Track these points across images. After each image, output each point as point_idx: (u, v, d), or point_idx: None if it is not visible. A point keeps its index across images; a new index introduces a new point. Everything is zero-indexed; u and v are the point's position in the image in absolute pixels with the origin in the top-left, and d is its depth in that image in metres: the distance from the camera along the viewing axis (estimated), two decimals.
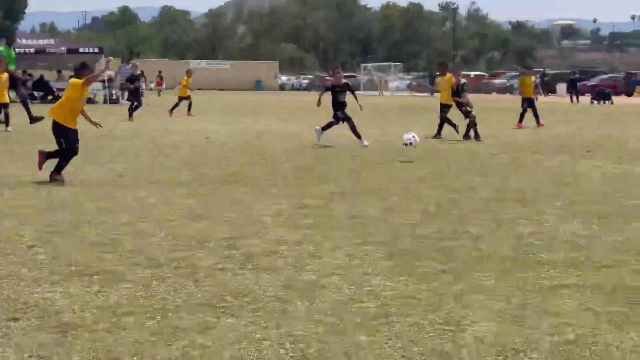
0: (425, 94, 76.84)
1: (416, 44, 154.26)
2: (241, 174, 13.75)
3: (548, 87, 65.66)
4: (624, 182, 12.98)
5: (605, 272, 6.99)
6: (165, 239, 8.32)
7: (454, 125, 22.76)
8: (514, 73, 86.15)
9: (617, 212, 10.07)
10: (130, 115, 29.95)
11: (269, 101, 54.67)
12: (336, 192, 11.67)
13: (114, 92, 48.25)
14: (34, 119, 24.27)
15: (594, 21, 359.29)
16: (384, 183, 12.72)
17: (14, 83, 24.65)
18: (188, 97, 33.31)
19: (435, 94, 74.67)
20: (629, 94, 69.11)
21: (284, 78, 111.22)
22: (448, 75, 23.87)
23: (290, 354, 4.94)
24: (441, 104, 23.60)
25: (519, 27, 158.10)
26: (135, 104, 30.57)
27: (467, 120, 21.84)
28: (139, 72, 30.67)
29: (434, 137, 22.44)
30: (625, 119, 33.19)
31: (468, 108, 21.90)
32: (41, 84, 47.32)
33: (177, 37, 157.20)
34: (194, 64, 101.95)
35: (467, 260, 7.42)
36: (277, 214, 9.83)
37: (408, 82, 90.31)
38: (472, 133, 21.93)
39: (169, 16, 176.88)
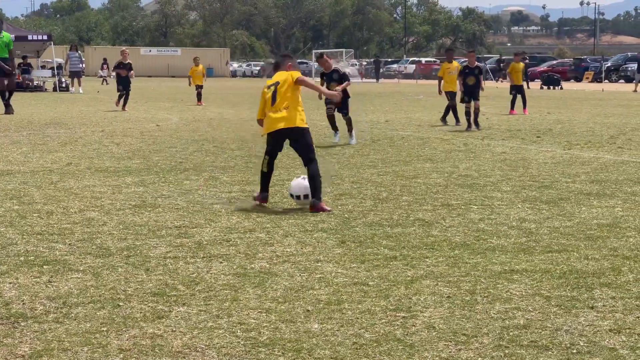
0: (372, 80, 77.03)
1: (367, 30, 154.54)
2: (192, 162, 13.69)
3: (504, 74, 66.14)
4: (573, 167, 13.12)
5: (555, 257, 7.06)
6: (116, 228, 8.26)
7: (457, 119, 22.20)
8: (464, 59, 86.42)
9: (566, 197, 10.18)
10: (124, 105, 28.47)
11: (220, 88, 54.44)
12: (287, 179, 11.65)
13: (63, 79, 47.81)
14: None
15: (543, 7, 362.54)
16: (336, 170, 12.73)
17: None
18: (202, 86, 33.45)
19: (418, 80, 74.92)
20: (578, 79, 69.86)
21: (235, 65, 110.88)
22: (456, 63, 23.31)
23: (242, 342, 4.93)
24: (446, 92, 22.79)
25: (469, 13, 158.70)
26: (123, 92, 28.63)
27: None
28: (128, 61, 29.45)
29: (456, 124, 21.95)
30: (574, 104, 33.55)
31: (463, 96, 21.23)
32: None
33: (127, 24, 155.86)
34: (144, 50, 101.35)
35: (418, 247, 7.46)
36: (228, 201, 9.81)
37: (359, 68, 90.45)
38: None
39: (119, 3, 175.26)
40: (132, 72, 29.03)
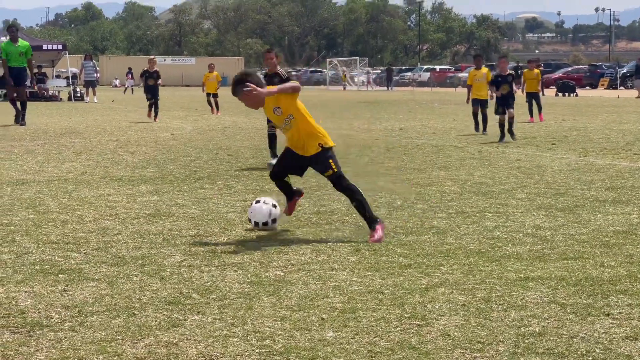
0: (383, 88, 77.19)
1: (381, 38, 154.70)
2: (206, 171, 13.70)
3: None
4: (588, 174, 13.07)
5: (570, 264, 7.03)
6: (131, 236, 8.27)
7: (477, 125, 21.87)
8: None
9: (582, 204, 10.14)
10: (151, 114, 27.89)
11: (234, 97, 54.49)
12: (302, 187, 11.64)
13: (78, 89, 48.03)
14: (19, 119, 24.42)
15: (558, 14, 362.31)
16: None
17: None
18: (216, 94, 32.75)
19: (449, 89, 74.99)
20: (594, 86, 69.69)
21: None
22: (485, 69, 22.68)
23: (257, 351, 4.93)
24: (477, 100, 22.07)
25: (483, 20, 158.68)
26: (152, 100, 27.91)
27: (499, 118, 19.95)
28: (155, 69, 28.75)
29: (475, 130, 21.69)
30: (590, 111, 33.46)
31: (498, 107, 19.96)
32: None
33: (141, 33, 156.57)
34: (158, 59, 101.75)
35: (433, 254, 7.44)
36: (242, 210, 9.81)
37: (374, 76, 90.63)
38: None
39: (134, 12, 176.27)
40: (159, 80, 28.45)
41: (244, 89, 8.29)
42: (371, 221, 8.19)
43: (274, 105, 8.33)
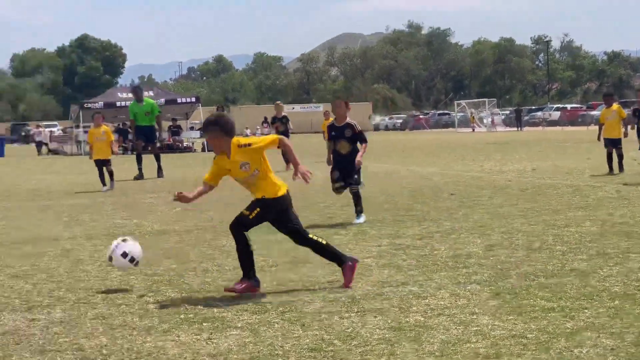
0: (513, 129, 76.42)
1: (509, 78, 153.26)
2: (340, 217, 13.77)
3: None
4: None
5: None
6: (270, 284, 8.38)
7: (611, 167, 21.02)
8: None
9: None
10: (289, 167, 28.43)
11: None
12: (436, 231, 11.62)
13: None
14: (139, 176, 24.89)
15: None
16: (485, 220, 12.60)
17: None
18: None
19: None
20: None
21: (377, 118, 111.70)
22: (616, 105, 21.84)
23: None
24: (609, 139, 21.31)
25: (614, 57, 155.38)
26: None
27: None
28: (283, 114, 29.15)
29: (620, 171, 20.70)
30: None
31: None
32: None
33: (270, 83, 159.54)
34: (287, 108, 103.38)
35: (576, 297, 7.29)
36: (378, 255, 9.82)
37: (503, 117, 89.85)
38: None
39: (263, 62, 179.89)
40: (290, 124, 28.85)
41: (211, 132, 8.53)
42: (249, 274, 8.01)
43: (241, 160, 8.31)
